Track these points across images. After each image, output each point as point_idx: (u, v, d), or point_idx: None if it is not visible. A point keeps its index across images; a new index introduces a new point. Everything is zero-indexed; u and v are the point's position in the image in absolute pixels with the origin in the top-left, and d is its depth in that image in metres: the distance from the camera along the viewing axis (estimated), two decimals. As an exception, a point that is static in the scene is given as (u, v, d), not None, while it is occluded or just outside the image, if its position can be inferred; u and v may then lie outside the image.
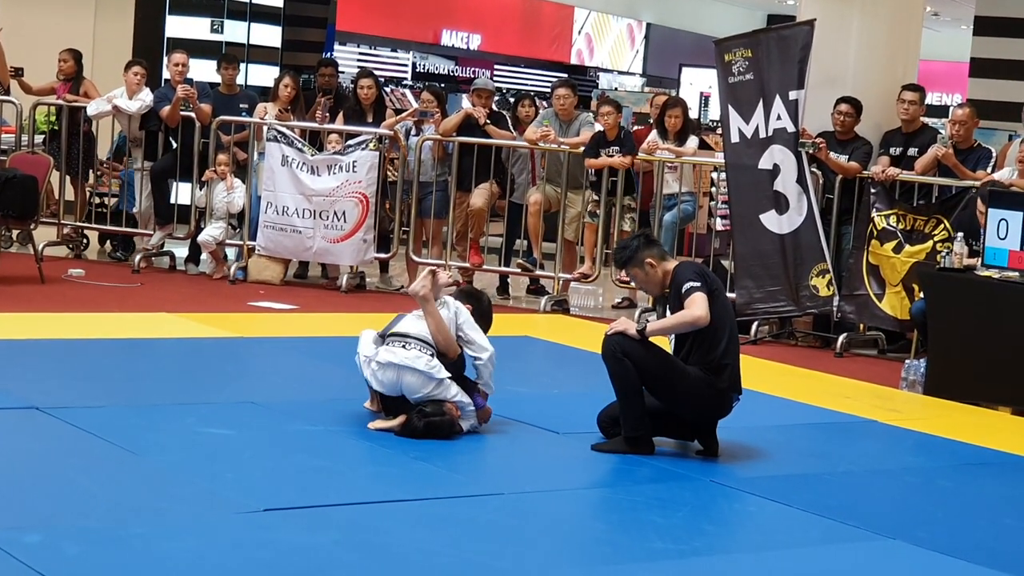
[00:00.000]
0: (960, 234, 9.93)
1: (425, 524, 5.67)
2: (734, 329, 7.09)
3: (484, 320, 7.46)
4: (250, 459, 6.43)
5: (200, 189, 12.79)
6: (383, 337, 7.22)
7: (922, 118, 11.60)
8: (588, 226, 12.53)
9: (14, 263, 12.24)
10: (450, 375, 7.08)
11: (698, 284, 6.89)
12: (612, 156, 12.12)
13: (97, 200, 14.02)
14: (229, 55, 14.19)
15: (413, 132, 12.71)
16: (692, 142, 12.51)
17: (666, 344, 7.19)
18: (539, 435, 7.35)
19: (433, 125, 12.60)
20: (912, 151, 11.35)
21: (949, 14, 26.43)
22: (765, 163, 11.27)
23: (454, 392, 7.08)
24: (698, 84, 26.09)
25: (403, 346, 7.08)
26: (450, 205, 12.63)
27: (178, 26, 18.12)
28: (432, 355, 7.08)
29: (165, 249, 13.21)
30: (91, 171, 13.76)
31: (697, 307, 6.83)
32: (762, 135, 11.26)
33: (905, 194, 11.27)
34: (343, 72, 19.45)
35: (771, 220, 11.26)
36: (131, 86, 12.89)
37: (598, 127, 12.61)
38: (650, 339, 6.97)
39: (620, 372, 6.94)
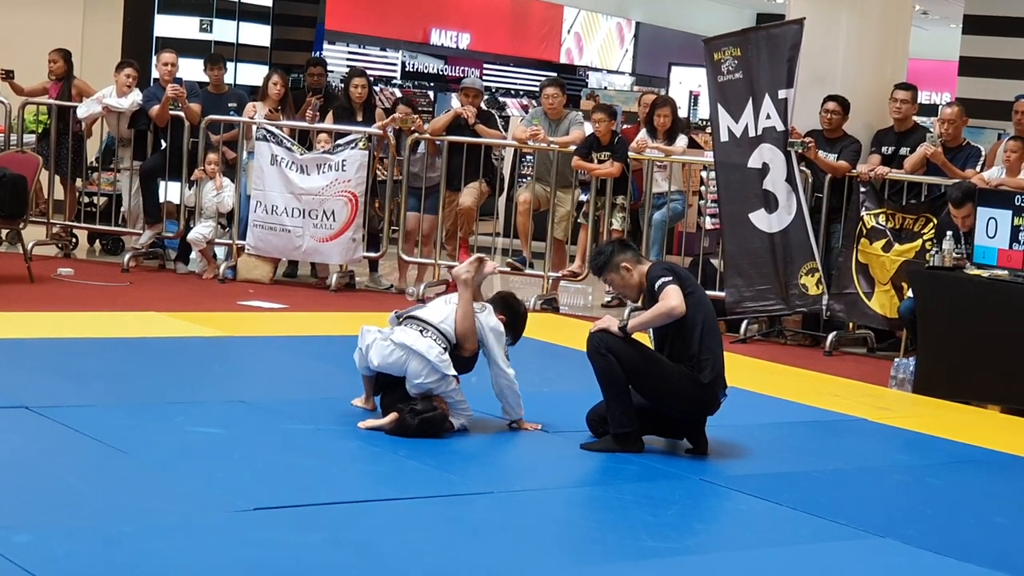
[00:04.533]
0: (949, 232, 9.95)
1: (415, 523, 5.67)
2: (710, 324, 7.07)
3: (515, 331, 7.45)
4: (240, 458, 6.43)
5: (189, 188, 12.77)
6: (400, 318, 7.20)
7: (913, 117, 11.61)
8: (581, 226, 12.55)
9: (3, 262, 12.22)
10: (455, 374, 7.08)
11: (669, 278, 6.92)
12: (604, 161, 12.13)
13: (86, 199, 14.00)
14: (215, 55, 14.16)
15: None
16: (681, 141, 12.52)
17: (648, 342, 7.20)
18: (529, 434, 7.35)
19: (416, 130, 12.56)
20: (904, 150, 11.36)
21: (938, 13, 26.48)
22: (754, 162, 11.27)
23: (452, 388, 7.07)
24: (687, 83, 26.09)
25: (420, 332, 7.06)
26: (438, 204, 12.63)
27: (167, 25, 18.10)
28: (446, 348, 7.06)
29: (154, 248, 13.19)
30: (79, 176, 13.73)
31: (671, 298, 6.85)
32: (751, 134, 11.27)
33: (895, 193, 11.29)
34: (332, 71, 19.45)
35: (760, 219, 11.26)
36: (122, 87, 12.86)
37: (587, 127, 12.61)
38: (633, 335, 6.99)
39: (605, 369, 6.95)
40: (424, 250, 12.75)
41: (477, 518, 5.84)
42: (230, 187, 12.62)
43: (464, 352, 7.14)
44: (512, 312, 7.44)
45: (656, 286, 6.93)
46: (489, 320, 7.21)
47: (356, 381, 7.37)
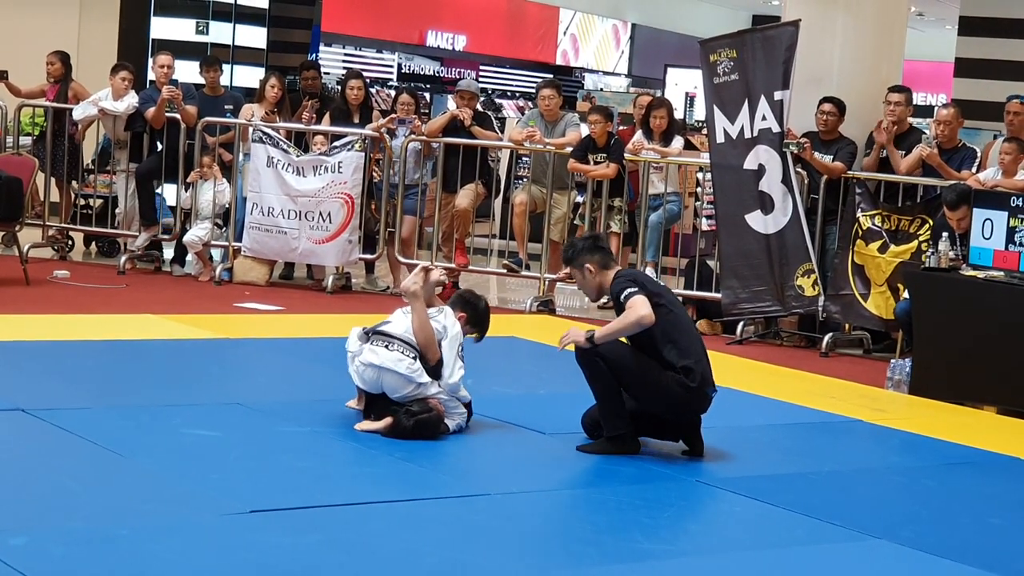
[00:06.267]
0: (945, 234, 9.96)
1: (411, 525, 5.67)
2: (683, 327, 7.07)
3: (480, 326, 7.45)
4: (236, 460, 6.43)
5: (185, 191, 12.78)
6: (368, 335, 7.21)
7: (908, 119, 11.61)
8: (577, 228, 12.56)
9: (-1, 265, 12.23)
10: (431, 379, 7.09)
11: (634, 289, 6.90)
12: (600, 162, 12.15)
13: (82, 202, 14.00)
14: (211, 58, 14.15)
15: (395, 135, 12.71)
16: (677, 142, 12.53)
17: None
18: (525, 435, 7.35)
19: (413, 131, 12.55)
20: (900, 152, 11.36)
21: (934, 14, 26.47)
22: (750, 163, 11.29)
23: (435, 390, 7.09)
24: (683, 84, 26.09)
25: (386, 346, 7.09)
26: (433, 205, 12.63)
27: (163, 27, 18.09)
28: (415, 357, 7.07)
29: (150, 250, 13.18)
30: (75, 178, 13.73)
31: (639, 307, 6.83)
32: (747, 135, 11.29)
33: (890, 195, 11.29)
34: (328, 73, 19.45)
35: (756, 220, 11.28)
36: (118, 90, 12.85)
37: (584, 128, 12.62)
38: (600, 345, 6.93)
39: (595, 374, 6.95)
40: (407, 252, 12.72)
41: (473, 520, 5.84)
42: (226, 185, 12.65)
43: (429, 361, 7.13)
44: (472, 308, 7.45)
45: (622, 299, 6.92)
46: (447, 326, 7.21)
47: (352, 383, 7.37)
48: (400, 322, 7.21)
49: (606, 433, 7.02)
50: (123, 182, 13.12)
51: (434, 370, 7.13)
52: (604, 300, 12.52)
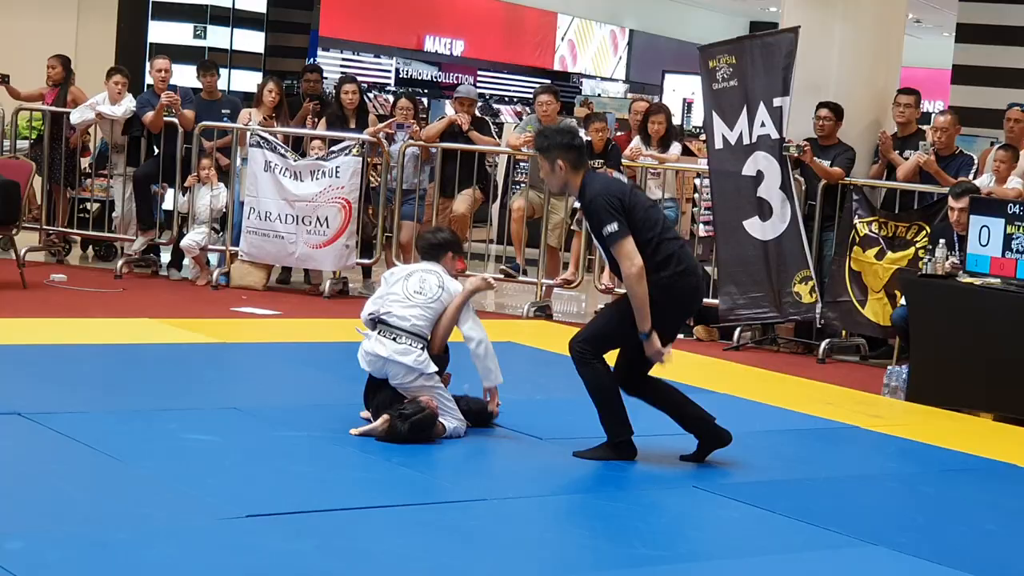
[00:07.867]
0: (942, 240, 9.95)
1: (408, 530, 5.67)
2: (665, 230, 6.97)
3: (461, 250, 7.71)
4: (233, 465, 6.43)
5: (183, 195, 12.78)
6: (374, 323, 7.22)
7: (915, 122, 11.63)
8: (575, 233, 12.57)
9: (-4, 268, 12.22)
10: (436, 369, 7.14)
11: (616, 229, 6.77)
12: (598, 168, 12.15)
13: (80, 205, 13.99)
14: (208, 62, 14.13)
15: (393, 140, 12.71)
16: (675, 148, 12.53)
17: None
18: (522, 441, 7.35)
19: (411, 136, 12.55)
20: (907, 153, 11.37)
21: (931, 21, 26.52)
22: (749, 169, 11.29)
23: (435, 382, 7.13)
24: (681, 90, 26.12)
25: (394, 339, 7.11)
26: (431, 210, 12.62)
27: (161, 31, 18.11)
28: (423, 348, 7.10)
29: (147, 254, 13.17)
30: (72, 182, 13.72)
31: (627, 261, 6.75)
32: (746, 142, 11.29)
33: (887, 201, 11.30)
34: (326, 78, 19.45)
35: (754, 226, 11.28)
36: (112, 94, 12.86)
37: (581, 134, 12.61)
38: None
39: (591, 377, 6.95)
40: (406, 257, 12.71)
41: (470, 525, 5.84)
42: (223, 189, 12.65)
43: (434, 349, 7.22)
44: (452, 244, 7.60)
45: (605, 235, 6.80)
46: (451, 287, 7.35)
47: (350, 388, 7.37)
48: (405, 313, 7.20)
49: (607, 439, 7.02)
50: (120, 186, 13.11)
51: (438, 361, 7.20)
52: (601, 306, 12.68)
